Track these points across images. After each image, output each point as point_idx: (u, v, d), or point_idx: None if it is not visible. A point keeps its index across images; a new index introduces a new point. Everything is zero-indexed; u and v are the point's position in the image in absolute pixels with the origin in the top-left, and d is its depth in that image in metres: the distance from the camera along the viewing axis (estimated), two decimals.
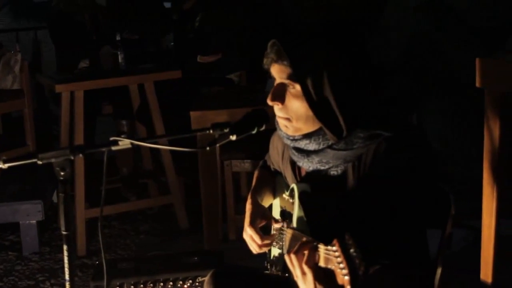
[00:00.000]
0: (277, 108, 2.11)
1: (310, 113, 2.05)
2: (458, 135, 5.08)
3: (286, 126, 2.13)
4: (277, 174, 2.48)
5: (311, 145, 2.11)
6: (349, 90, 2.04)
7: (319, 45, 2.05)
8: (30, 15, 7.94)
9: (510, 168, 3.39)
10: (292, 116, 2.10)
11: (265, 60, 2.11)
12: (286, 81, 2.07)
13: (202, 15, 5.18)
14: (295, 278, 1.84)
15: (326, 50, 2.03)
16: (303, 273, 1.79)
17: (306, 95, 2.02)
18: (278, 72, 2.08)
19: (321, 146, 2.10)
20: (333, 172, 2.11)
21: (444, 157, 4.95)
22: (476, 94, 3.41)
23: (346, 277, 1.61)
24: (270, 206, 2.48)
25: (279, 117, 2.13)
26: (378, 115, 2.11)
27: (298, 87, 2.04)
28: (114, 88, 4.77)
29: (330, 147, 2.08)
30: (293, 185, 2.18)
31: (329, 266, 1.71)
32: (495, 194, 3.32)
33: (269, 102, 2.11)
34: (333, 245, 1.67)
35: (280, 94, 2.09)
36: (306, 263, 1.77)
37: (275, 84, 2.12)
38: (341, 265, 1.63)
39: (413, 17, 4.94)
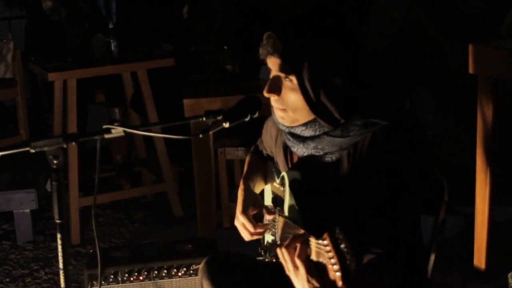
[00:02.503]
0: (273, 100, 2.11)
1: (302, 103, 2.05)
2: (450, 122, 5.09)
3: (283, 118, 2.13)
4: (269, 159, 2.48)
5: (307, 132, 2.11)
6: (344, 82, 2.04)
7: (315, 38, 2.03)
8: (22, 4, 7.89)
9: (502, 155, 3.40)
10: (289, 107, 2.09)
11: (261, 51, 2.09)
12: (282, 74, 2.06)
13: (189, 7, 5.19)
14: (287, 272, 1.84)
15: (322, 44, 2.02)
16: (295, 267, 1.79)
17: (302, 88, 2.02)
18: (274, 65, 2.07)
19: (318, 133, 2.10)
20: (327, 158, 2.11)
21: (436, 144, 4.96)
22: (468, 80, 3.42)
23: (338, 273, 1.60)
24: (262, 192, 2.48)
25: (276, 108, 2.12)
26: (375, 104, 2.11)
27: (294, 80, 2.03)
28: (106, 76, 4.76)
29: (326, 133, 2.09)
30: (284, 173, 2.18)
31: (321, 260, 1.70)
32: (488, 180, 3.33)
33: (266, 94, 2.10)
34: (324, 239, 1.66)
35: (276, 86, 2.08)
36: (298, 257, 1.77)
37: (271, 75, 2.12)
38: (332, 261, 1.62)
39: (403, 5, 4.94)
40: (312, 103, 2.04)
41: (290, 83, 2.05)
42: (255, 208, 2.33)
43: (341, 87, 2.04)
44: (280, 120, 2.16)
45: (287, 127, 2.16)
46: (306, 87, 2.02)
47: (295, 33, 2.03)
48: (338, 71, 2.02)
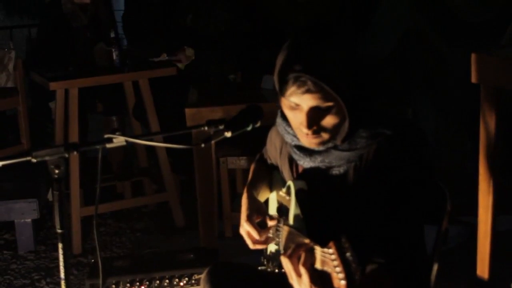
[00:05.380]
0: (312, 131, 2.05)
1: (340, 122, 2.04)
2: (452, 129, 5.09)
3: (317, 144, 2.09)
4: (274, 168, 2.47)
5: (317, 147, 2.11)
6: (365, 94, 2.05)
7: (337, 58, 1.99)
8: (24, 12, 7.91)
9: (505, 164, 3.40)
10: (327, 132, 2.06)
11: (289, 93, 2.01)
12: (324, 105, 2.00)
13: (193, 15, 5.19)
14: (291, 281, 1.83)
15: (347, 63, 2.00)
16: (299, 275, 1.79)
17: (348, 108, 1.99)
18: (309, 100, 2.00)
19: (327, 147, 2.10)
20: (335, 172, 2.11)
21: (438, 152, 4.96)
22: (470, 88, 3.41)
23: (343, 282, 1.60)
24: (267, 200, 2.48)
25: (312, 137, 2.06)
26: (378, 114, 2.11)
27: (334, 104, 2.00)
28: (105, 85, 4.76)
29: (334, 147, 2.08)
30: (290, 182, 2.17)
31: (325, 269, 1.70)
32: (491, 189, 3.32)
33: (308, 131, 2.04)
34: (329, 248, 1.66)
35: (314, 120, 2.03)
36: (303, 265, 1.76)
37: (296, 110, 2.05)
38: (338, 269, 1.62)
39: (405, 13, 4.95)
40: (353, 118, 2.02)
41: (328, 109, 2.01)
42: (259, 216, 2.32)
43: (363, 98, 2.05)
44: (314, 146, 2.11)
45: (297, 138, 2.15)
46: (350, 105, 1.99)
47: (322, 61, 1.97)
48: (360, 84, 2.03)
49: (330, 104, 1.99)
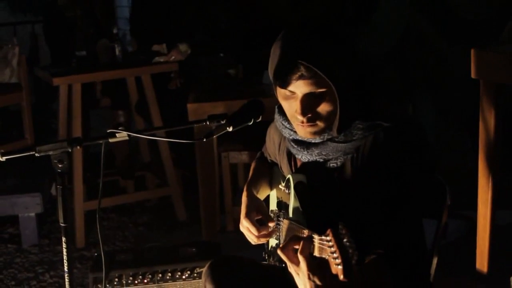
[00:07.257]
0: (307, 119, 2.06)
1: (334, 110, 2.05)
2: (452, 126, 5.10)
3: (313, 132, 2.10)
4: (274, 165, 2.49)
5: (313, 138, 2.13)
6: (360, 83, 2.06)
7: (334, 45, 2.01)
8: (27, 9, 7.92)
9: (504, 159, 3.41)
10: (322, 119, 2.07)
11: (283, 80, 2.03)
12: (318, 90, 2.01)
13: (192, 15, 5.21)
14: (290, 270, 1.85)
15: (340, 49, 2.01)
16: (297, 263, 1.81)
17: (340, 95, 2.01)
18: (303, 86, 2.01)
19: (323, 139, 2.11)
20: (332, 164, 2.12)
21: (438, 151, 4.97)
22: (470, 86, 3.43)
23: (339, 267, 1.61)
24: (267, 197, 2.49)
25: (306, 125, 2.08)
26: (376, 107, 2.12)
27: (327, 91, 2.01)
28: (112, 80, 4.78)
29: (330, 139, 2.10)
30: (289, 176, 2.19)
31: (323, 256, 1.71)
32: (490, 184, 3.33)
33: (302, 118, 2.05)
34: (327, 235, 1.68)
35: (309, 106, 2.04)
36: (301, 253, 1.78)
37: (286, 96, 2.07)
38: (335, 255, 1.63)
39: (405, 12, 4.95)
40: (345, 107, 2.03)
41: (322, 95, 2.02)
42: (259, 214, 2.33)
43: (358, 90, 2.07)
44: (310, 136, 2.12)
45: (294, 132, 2.16)
46: (342, 92, 2.00)
47: (315, 47, 1.99)
48: (355, 74, 2.04)
49: (323, 90, 2.01)
